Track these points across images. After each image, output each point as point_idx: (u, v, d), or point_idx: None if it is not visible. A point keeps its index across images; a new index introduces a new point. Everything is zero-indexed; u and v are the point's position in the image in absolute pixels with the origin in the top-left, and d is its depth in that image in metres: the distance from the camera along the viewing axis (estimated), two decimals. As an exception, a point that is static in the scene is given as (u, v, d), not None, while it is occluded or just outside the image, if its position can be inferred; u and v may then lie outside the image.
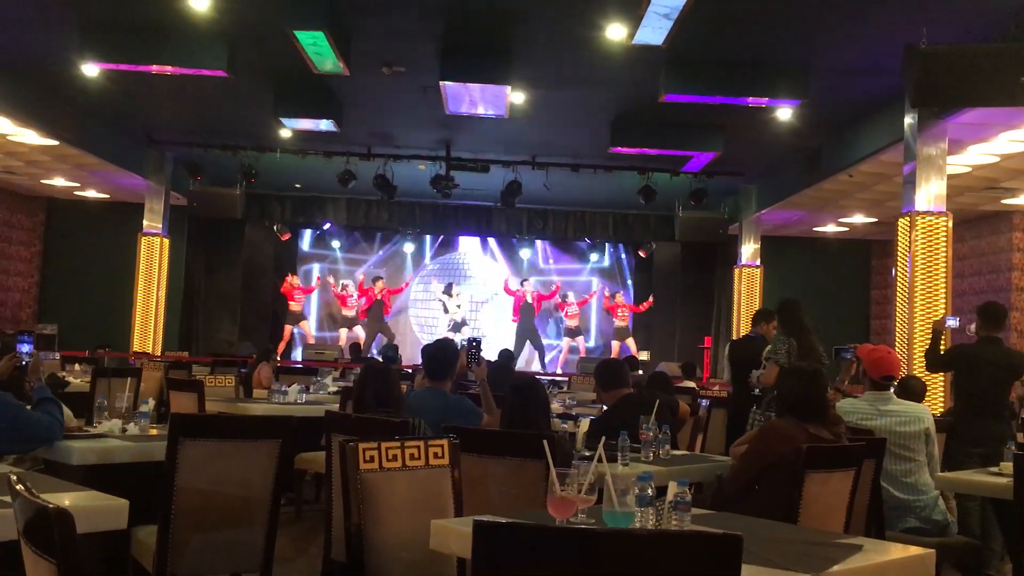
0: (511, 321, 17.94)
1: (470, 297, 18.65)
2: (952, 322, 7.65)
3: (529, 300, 17.77)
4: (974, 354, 6.27)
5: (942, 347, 6.75)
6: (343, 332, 17.78)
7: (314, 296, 18.38)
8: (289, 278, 17.72)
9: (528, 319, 17.85)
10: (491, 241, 18.87)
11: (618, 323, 17.85)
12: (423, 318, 18.63)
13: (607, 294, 18.49)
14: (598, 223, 17.46)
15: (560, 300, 18.37)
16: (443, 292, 18.41)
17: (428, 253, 18.97)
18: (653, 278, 18.42)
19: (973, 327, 6.54)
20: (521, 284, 18.08)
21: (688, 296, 17.74)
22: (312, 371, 10.50)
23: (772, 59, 9.20)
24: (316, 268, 18.75)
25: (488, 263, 19.05)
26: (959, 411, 6.22)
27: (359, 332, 17.66)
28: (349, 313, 17.82)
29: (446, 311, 18.28)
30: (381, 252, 18.90)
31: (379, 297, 17.62)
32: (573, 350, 18.11)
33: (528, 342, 17.80)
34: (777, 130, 11.16)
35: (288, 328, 17.66)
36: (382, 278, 18.01)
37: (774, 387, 6.09)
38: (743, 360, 7.53)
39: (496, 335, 18.18)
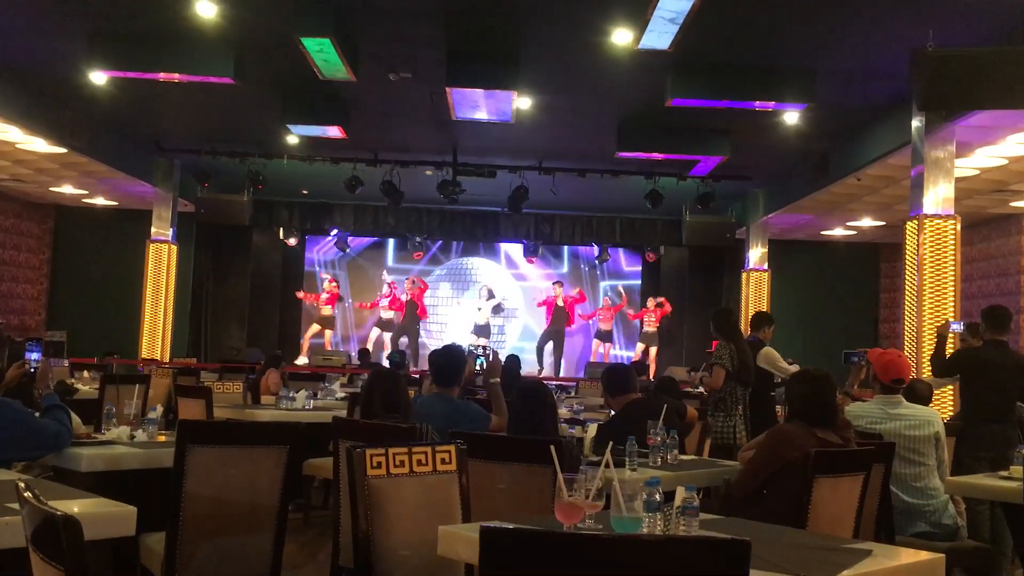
0: (545, 325, 17.79)
1: (493, 306, 18.59)
2: (956, 326, 7.64)
3: (560, 304, 17.67)
4: (980, 358, 6.25)
5: (948, 351, 6.74)
6: (374, 332, 17.76)
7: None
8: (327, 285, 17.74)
9: (560, 324, 17.65)
10: (497, 247, 18.86)
11: (647, 328, 17.74)
12: (431, 324, 18.63)
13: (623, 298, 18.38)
14: (605, 228, 17.45)
15: (595, 305, 18.27)
16: (482, 298, 18.30)
17: (427, 257, 18.95)
18: (661, 282, 18.40)
19: (961, 327, 6.58)
20: (552, 287, 17.98)
21: (696, 300, 17.72)
22: (320, 377, 10.51)
23: (779, 63, 9.19)
24: (325, 273, 18.79)
25: (495, 268, 19.05)
26: (966, 415, 6.20)
27: (386, 337, 17.64)
28: (386, 315, 17.77)
29: (479, 309, 18.13)
30: (390, 259, 18.94)
31: (410, 297, 17.58)
32: (601, 355, 18.01)
33: (552, 343, 17.67)
34: (784, 134, 11.14)
35: (317, 328, 17.62)
36: (411, 278, 17.97)
37: (720, 390, 6.97)
38: None
39: (511, 343, 18.18)
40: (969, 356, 6.48)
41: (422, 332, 18.24)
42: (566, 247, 18.63)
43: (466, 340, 16.78)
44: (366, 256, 18.78)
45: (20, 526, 2.02)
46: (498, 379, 5.30)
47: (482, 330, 17.83)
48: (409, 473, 3.16)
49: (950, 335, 7.07)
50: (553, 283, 18.02)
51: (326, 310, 17.57)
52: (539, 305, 18.05)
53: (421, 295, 17.70)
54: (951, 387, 8.68)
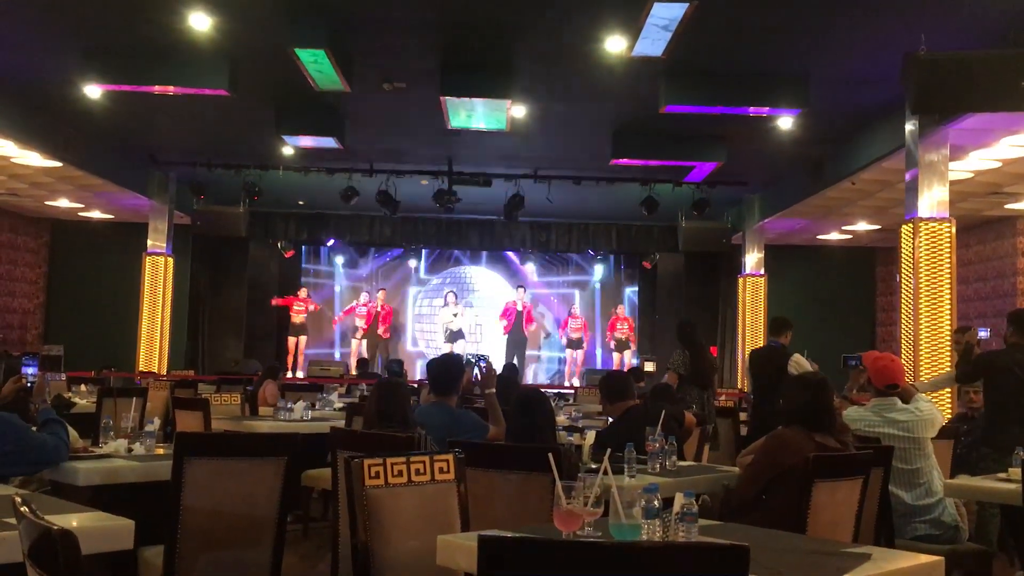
0: (503, 333, 17.94)
1: (475, 314, 18.63)
2: (983, 333, 7.66)
3: (519, 308, 17.77)
4: (1001, 361, 6.26)
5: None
6: (354, 344, 17.80)
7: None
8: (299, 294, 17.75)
9: (518, 330, 17.84)
10: (494, 255, 18.90)
11: (618, 335, 17.83)
12: (427, 333, 18.63)
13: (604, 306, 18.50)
14: (601, 235, 17.48)
15: (566, 315, 18.35)
16: (443, 305, 18.39)
17: (425, 266, 19.00)
18: (657, 289, 18.42)
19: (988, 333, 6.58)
20: (517, 291, 18.06)
21: (693, 307, 17.72)
22: (318, 388, 10.50)
23: (772, 69, 9.22)
24: (327, 285, 18.80)
25: (491, 277, 19.07)
26: (988, 418, 6.21)
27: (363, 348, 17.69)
28: (361, 323, 17.81)
29: (446, 319, 18.23)
30: (382, 266, 18.97)
31: (379, 310, 17.62)
32: (575, 361, 18.12)
33: (515, 355, 17.80)
34: (779, 139, 11.16)
35: (292, 340, 17.60)
36: (384, 290, 18.01)
37: (676, 391, 7.49)
38: (768, 370, 7.52)
39: (500, 350, 18.21)
40: (990, 359, 6.49)
41: (423, 344, 18.26)
42: (611, 256, 18.69)
43: (453, 348, 16.82)
44: (400, 268, 18.78)
45: (17, 541, 2.02)
46: (494, 390, 5.30)
47: (455, 335, 17.84)
48: (407, 483, 3.15)
49: (972, 341, 7.07)
50: (517, 287, 18.08)
51: (295, 318, 17.52)
52: (500, 318, 18.08)
53: (389, 314, 17.78)
54: (949, 391, 8.70)
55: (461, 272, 19.14)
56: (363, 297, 17.89)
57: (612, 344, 17.86)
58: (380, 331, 17.64)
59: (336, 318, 18.32)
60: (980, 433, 6.27)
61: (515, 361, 17.52)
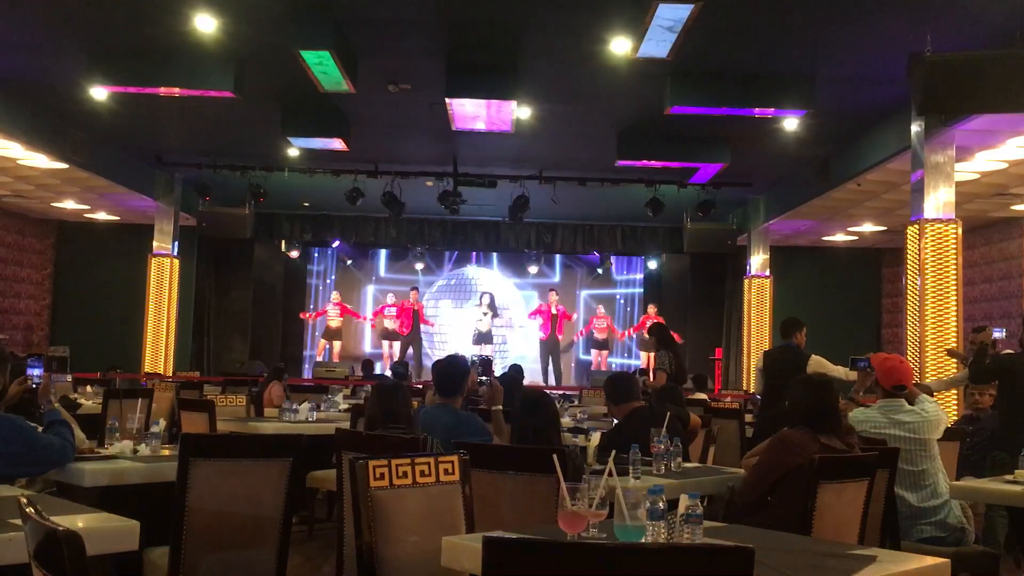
0: (541, 338, 17.93)
1: (509, 318, 18.67)
2: (999, 333, 7.62)
3: (554, 311, 17.76)
4: (1017, 364, 6.23)
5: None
6: (385, 344, 17.86)
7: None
8: (332, 298, 17.92)
9: (554, 335, 17.83)
10: (500, 257, 18.89)
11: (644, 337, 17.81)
12: (434, 335, 18.63)
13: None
14: (607, 236, 17.46)
15: (591, 315, 18.36)
16: (477, 305, 18.41)
17: (430, 267, 19.03)
18: (663, 290, 18.41)
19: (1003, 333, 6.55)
20: (549, 295, 18.06)
21: (698, 308, 17.72)
22: (323, 389, 10.51)
23: (777, 70, 9.21)
24: (330, 287, 18.84)
25: (498, 279, 19.06)
26: (1002, 421, 6.19)
27: (395, 348, 17.77)
28: (390, 325, 17.88)
29: (484, 314, 18.20)
30: (386, 267, 18.99)
31: (415, 308, 17.68)
32: (601, 362, 18.11)
33: (550, 357, 17.77)
34: (784, 140, 11.15)
35: (323, 343, 17.71)
36: (416, 289, 18.06)
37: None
38: (784, 370, 7.47)
39: (513, 351, 18.22)
40: (1006, 361, 6.47)
41: (424, 342, 18.28)
42: (559, 256, 18.69)
43: (468, 350, 16.81)
44: (357, 265, 18.88)
45: (23, 542, 2.02)
46: (500, 406, 5.28)
47: (484, 337, 17.86)
48: (412, 484, 3.16)
49: (987, 341, 7.02)
50: (548, 291, 18.11)
51: (334, 323, 17.66)
52: (531, 316, 18.12)
53: (421, 309, 17.86)
54: (955, 392, 8.68)
55: (466, 274, 19.14)
56: (390, 298, 17.96)
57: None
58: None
59: (372, 321, 18.35)
60: (991, 435, 6.25)
61: (550, 367, 17.55)
